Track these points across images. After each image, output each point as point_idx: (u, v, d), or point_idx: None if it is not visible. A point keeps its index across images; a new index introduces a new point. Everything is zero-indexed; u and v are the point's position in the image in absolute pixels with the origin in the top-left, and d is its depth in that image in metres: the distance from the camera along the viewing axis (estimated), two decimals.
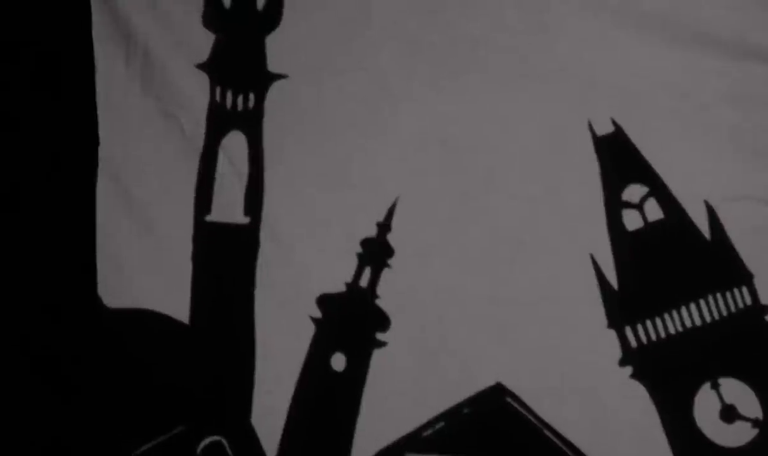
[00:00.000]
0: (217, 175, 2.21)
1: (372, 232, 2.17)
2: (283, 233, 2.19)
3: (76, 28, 2.29)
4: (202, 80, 2.25)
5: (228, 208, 2.21)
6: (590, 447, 2.07)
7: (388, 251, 2.15)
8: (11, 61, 2.30)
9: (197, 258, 2.18)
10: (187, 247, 2.20)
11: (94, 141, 2.25)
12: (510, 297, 2.13)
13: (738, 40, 2.16)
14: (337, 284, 2.16)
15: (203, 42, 2.26)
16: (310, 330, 2.15)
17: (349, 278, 2.16)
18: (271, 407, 2.13)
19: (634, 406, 2.08)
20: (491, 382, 2.10)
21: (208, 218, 2.20)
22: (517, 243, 2.15)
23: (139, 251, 2.21)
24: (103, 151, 2.25)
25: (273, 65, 2.25)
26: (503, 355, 2.11)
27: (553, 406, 2.09)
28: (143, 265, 2.20)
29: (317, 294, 2.15)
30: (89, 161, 2.24)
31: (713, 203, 2.13)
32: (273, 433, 2.12)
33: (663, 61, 2.18)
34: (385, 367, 2.13)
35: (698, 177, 2.14)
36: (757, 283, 2.10)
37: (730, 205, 2.13)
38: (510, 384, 2.10)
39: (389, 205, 2.17)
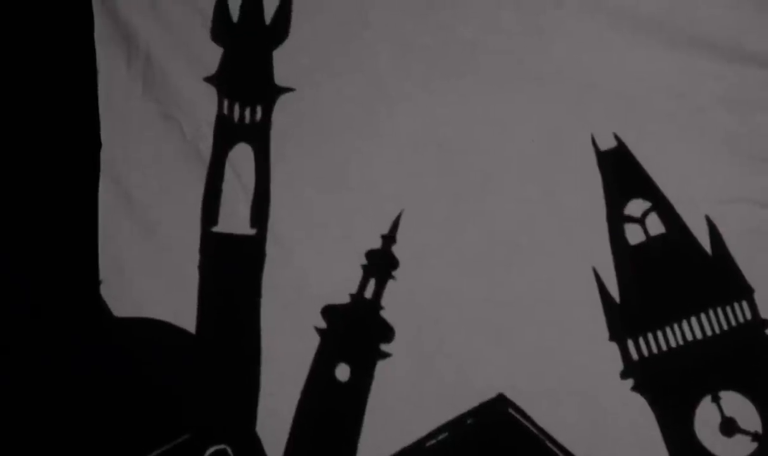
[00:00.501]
0: (224, 187, 2.22)
1: (369, 234, 2.18)
2: (284, 235, 2.20)
3: (78, 30, 2.30)
4: (203, 84, 2.26)
5: (234, 219, 2.22)
6: (589, 449, 2.08)
7: (393, 263, 2.16)
8: (13, 63, 2.31)
9: (204, 268, 2.19)
10: (187, 249, 2.21)
11: (96, 143, 2.26)
12: (506, 299, 2.14)
13: (734, 43, 2.18)
14: (335, 286, 2.17)
15: (204, 45, 2.28)
16: (311, 332, 2.16)
17: (347, 280, 2.17)
18: (273, 410, 2.13)
19: (633, 407, 2.09)
20: (488, 385, 2.11)
21: (215, 229, 2.21)
22: (513, 245, 2.16)
23: (140, 253, 2.22)
24: (104, 154, 2.26)
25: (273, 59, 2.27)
26: (500, 358, 2.12)
27: (550, 409, 2.09)
28: (144, 267, 2.21)
29: (317, 296, 2.16)
30: (91, 163, 2.25)
31: (709, 205, 2.14)
32: (275, 436, 2.13)
33: (659, 64, 2.19)
34: (382, 369, 2.14)
35: (694, 179, 2.16)
36: (755, 285, 2.11)
37: (726, 207, 2.14)
38: (507, 386, 2.10)
39: (386, 207, 2.19)
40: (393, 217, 2.19)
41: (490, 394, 2.11)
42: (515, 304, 2.14)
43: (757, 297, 2.11)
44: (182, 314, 2.18)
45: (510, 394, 2.10)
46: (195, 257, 2.21)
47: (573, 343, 2.11)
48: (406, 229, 2.18)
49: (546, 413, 2.09)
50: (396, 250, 2.17)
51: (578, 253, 2.14)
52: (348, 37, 2.27)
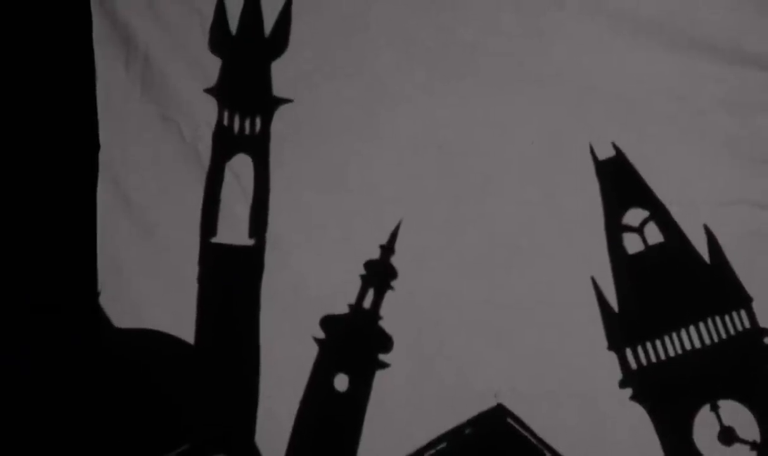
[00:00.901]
0: (223, 197, 2.23)
1: (369, 236, 2.19)
2: (282, 237, 2.20)
3: (77, 31, 2.30)
4: (201, 85, 2.27)
5: (233, 221, 2.22)
6: (587, 452, 2.08)
7: (392, 273, 2.16)
8: (12, 65, 2.31)
9: (203, 279, 2.20)
10: (185, 250, 2.21)
11: (94, 145, 2.27)
12: (506, 301, 2.14)
13: (734, 45, 2.18)
14: (334, 288, 2.17)
15: (202, 46, 2.28)
16: (308, 335, 2.16)
17: (346, 282, 2.17)
18: (270, 410, 2.14)
19: (632, 410, 2.09)
20: (488, 387, 2.11)
21: (214, 240, 2.21)
22: (513, 247, 2.16)
23: (138, 253, 2.22)
24: (103, 155, 2.27)
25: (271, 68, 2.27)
26: (500, 360, 2.12)
27: (550, 410, 2.10)
28: (142, 267, 2.21)
29: (315, 298, 2.16)
30: (90, 165, 2.26)
31: (709, 208, 2.14)
32: (272, 438, 2.13)
33: (659, 66, 2.19)
34: (382, 372, 2.14)
35: (695, 181, 2.16)
36: (755, 287, 2.12)
37: (726, 209, 2.14)
38: (506, 388, 2.11)
39: (386, 209, 2.19)
40: (393, 220, 2.19)
41: (491, 396, 2.11)
42: (515, 306, 2.14)
43: (758, 299, 2.12)
44: (180, 315, 2.18)
45: (510, 396, 2.11)
46: (193, 258, 2.21)
47: (573, 346, 2.12)
48: (407, 231, 2.18)
49: (546, 416, 2.10)
50: (396, 251, 2.18)
51: (578, 256, 2.15)
52: (347, 38, 2.27)
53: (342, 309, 2.17)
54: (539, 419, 2.10)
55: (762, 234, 2.14)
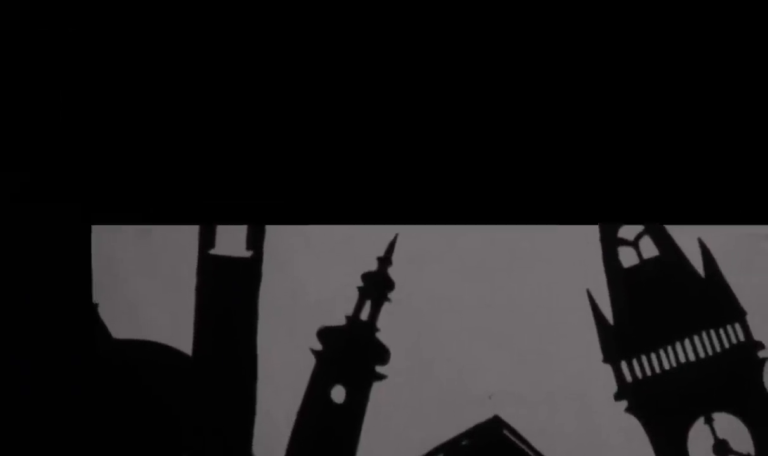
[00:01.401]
0: None
1: (369, 237, 2.18)
2: (280, 241, 2.20)
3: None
4: None
5: (233, 235, 2.22)
6: (584, 453, 2.10)
7: (389, 285, 2.17)
8: (9, 61, 2.30)
9: (201, 290, 2.20)
10: (182, 249, 2.21)
11: None
12: (506, 305, 2.14)
13: None
14: (332, 290, 2.17)
15: None
16: (306, 336, 2.16)
17: (344, 286, 2.17)
18: (267, 412, 2.15)
19: (627, 416, 2.11)
20: (486, 390, 2.12)
21: (212, 252, 2.21)
22: (513, 251, 2.16)
23: (135, 253, 2.22)
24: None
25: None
26: (498, 363, 2.13)
27: (548, 413, 2.11)
28: (138, 267, 2.21)
29: (313, 303, 2.16)
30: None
31: None
32: (270, 443, 2.14)
33: None
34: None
35: None
36: (752, 287, 2.12)
37: None
38: (505, 391, 2.12)
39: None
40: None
41: (490, 401, 2.12)
42: (516, 310, 2.14)
43: (754, 301, 2.12)
44: (174, 313, 2.19)
45: (505, 399, 2.12)
46: (189, 257, 2.21)
47: (571, 348, 2.13)
48: (406, 233, 2.18)
49: (544, 418, 2.11)
50: (396, 252, 2.17)
51: (577, 258, 2.15)
52: None
53: (340, 314, 2.17)
54: (537, 423, 2.11)
55: (759, 234, 2.14)
